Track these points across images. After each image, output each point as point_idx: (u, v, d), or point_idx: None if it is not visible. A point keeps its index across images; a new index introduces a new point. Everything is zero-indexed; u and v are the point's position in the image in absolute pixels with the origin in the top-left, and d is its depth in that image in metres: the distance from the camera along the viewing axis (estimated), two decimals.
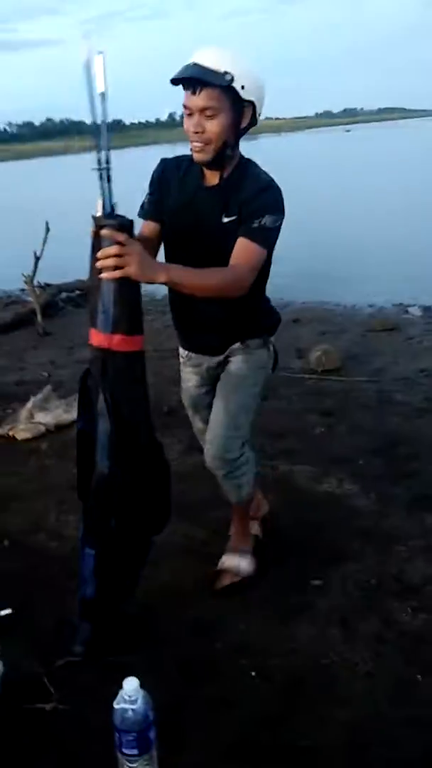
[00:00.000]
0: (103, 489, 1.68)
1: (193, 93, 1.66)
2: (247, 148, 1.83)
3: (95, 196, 1.56)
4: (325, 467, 2.89)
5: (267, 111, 1.84)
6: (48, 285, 6.43)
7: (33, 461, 3.12)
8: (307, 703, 1.69)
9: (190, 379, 2.11)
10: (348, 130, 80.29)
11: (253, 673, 1.78)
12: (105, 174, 1.54)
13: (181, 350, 2.10)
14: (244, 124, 1.73)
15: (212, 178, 1.80)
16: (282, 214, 1.76)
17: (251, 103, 1.70)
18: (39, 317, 5.66)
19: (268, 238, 1.74)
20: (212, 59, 1.64)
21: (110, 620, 1.84)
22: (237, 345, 1.96)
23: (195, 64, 1.65)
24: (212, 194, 1.79)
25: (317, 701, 1.69)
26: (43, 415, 3.43)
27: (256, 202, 1.72)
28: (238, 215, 1.74)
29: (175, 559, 2.24)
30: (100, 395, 1.61)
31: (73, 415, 2.87)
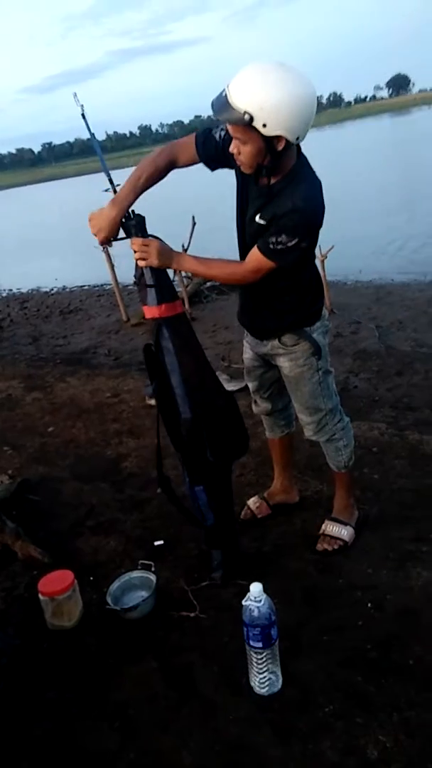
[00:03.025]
0: (191, 430, 1.99)
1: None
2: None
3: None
4: None
5: None
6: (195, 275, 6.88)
7: None
8: (417, 630, 1.87)
9: (246, 350, 2.31)
10: None
11: (369, 604, 1.99)
12: (114, 192, 1.90)
13: None
14: (279, 148, 1.66)
15: (265, 178, 1.81)
16: (304, 239, 1.77)
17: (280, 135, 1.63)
18: (186, 305, 6.13)
19: (277, 256, 1.79)
20: (235, 93, 1.59)
21: (234, 547, 2.18)
22: (276, 342, 2.09)
23: (223, 96, 1.62)
24: (258, 193, 1.83)
25: (429, 629, 1.86)
26: None
27: (283, 220, 1.74)
28: (268, 222, 1.78)
29: (305, 511, 2.53)
30: (167, 356, 1.94)
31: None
